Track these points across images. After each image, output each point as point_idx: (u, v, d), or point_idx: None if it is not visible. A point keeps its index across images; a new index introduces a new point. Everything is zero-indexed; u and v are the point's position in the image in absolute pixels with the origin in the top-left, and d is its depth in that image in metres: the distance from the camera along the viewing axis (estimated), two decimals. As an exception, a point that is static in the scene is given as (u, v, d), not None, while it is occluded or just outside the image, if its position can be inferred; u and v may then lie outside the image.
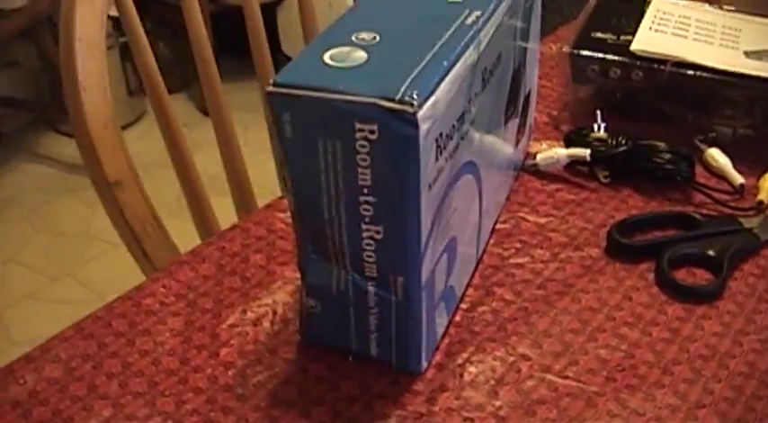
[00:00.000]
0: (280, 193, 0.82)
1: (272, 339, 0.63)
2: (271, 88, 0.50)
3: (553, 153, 0.79)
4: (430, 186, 0.52)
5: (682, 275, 0.70)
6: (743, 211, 0.76)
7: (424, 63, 0.51)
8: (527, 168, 0.81)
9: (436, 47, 0.53)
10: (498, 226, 0.74)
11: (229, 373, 0.60)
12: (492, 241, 0.72)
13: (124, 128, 2.51)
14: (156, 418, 0.57)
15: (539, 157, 0.80)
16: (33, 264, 2.09)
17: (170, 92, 2.75)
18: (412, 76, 0.50)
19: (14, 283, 2.02)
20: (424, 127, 0.49)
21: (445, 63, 0.52)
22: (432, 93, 0.49)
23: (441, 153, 0.52)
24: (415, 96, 0.48)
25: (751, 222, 0.74)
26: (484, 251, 0.71)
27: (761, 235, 0.73)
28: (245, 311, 0.65)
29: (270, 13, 2.40)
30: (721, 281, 0.68)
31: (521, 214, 0.75)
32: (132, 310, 0.66)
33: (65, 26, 0.84)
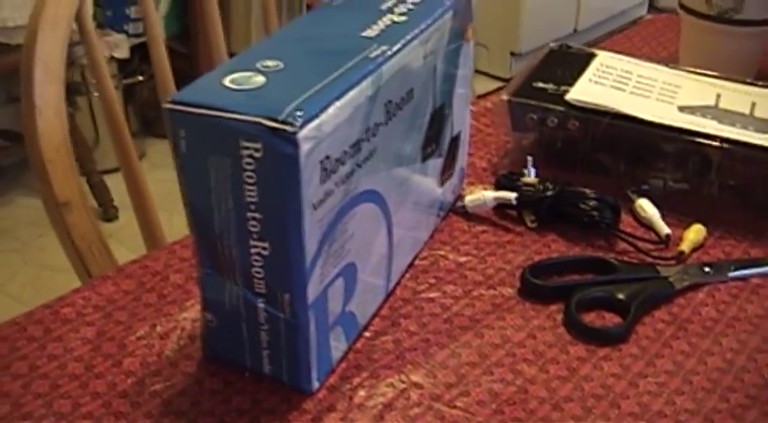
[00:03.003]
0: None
1: (175, 353, 0.65)
2: (168, 105, 0.53)
3: (480, 195, 0.81)
4: (315, 206, 0.54)
5: (591, 318, 0.71)
6: (663, 260, 0.78)
7: (315, 89, 0.54)
8: (456, 210, 0.83)
9: (333, 76, 0.56)
10: (417, 262, 0.76)
11: (129, 381, 0.62)
12: (407, 276, 0.74)
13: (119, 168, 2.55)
14: (50, 418, 0.59)
15: (467, 198, 0.82)
16: (20, 295, 2.12)
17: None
18: (300, 100, 0.52)
19: (-1, 313, 2.05)
20: (305, 147, 0.51)
21: (337, 90, 0.54)
22: (316, 115, 0.52)
23: (328, 176, 0.55)
24: (297, 117, 0.51)
25: (668, 271, 0.75)
26: (397, 285, 0.73)
27: (676, 284, 0.74)
28: (154, 326, 0.67)
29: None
30: (627, 324, 0.69)
31: (441, 252, 0.77)
32: (49, 318, 0.68)
33: (26, 50, 0.87)
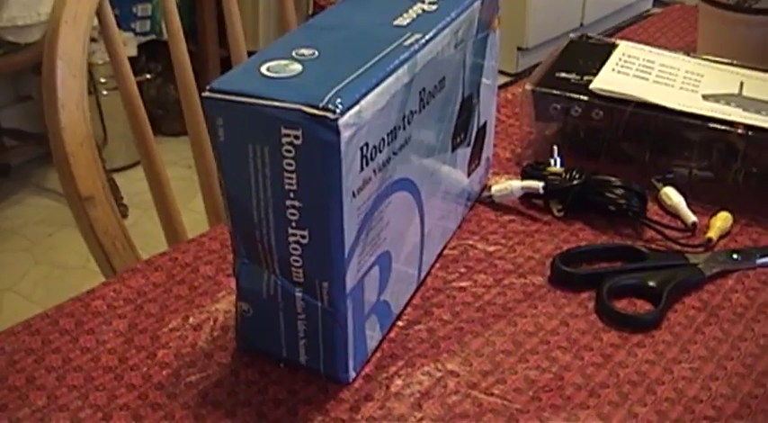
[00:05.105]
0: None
1: (209, 344, 0.65)
2: (206, 93, 0.53)
3: (507, 185, 0.81)
4: (354, 194, 0.54)
5: (623, 305, 0.71)
6: (691, 247, 0.77)
7: (353, 76, 0.54)
8: (482, 200, 0.83)
9: (370, 63, 0.56)
10: (446, 252, 0.76)
11: (164, 372, 0.62)
12: (437, 265, 0.74)
13: (131, 167, 2.55)
14: (86, 411, 0.59)
15: (493, 188, 0.82)
16: (30, 294, 2.12)
17: (179, 134, 2.80)
18: (339, 87, 0.52)
19: (10, 312, 2.05)
20: (345, 134, 0.51)
21: (374, 78, 0.54)
22: (356, 102, 0.52)
23: (367, 163, 0.55)
24: (338, 104, 0.51)
25: (697, 258, 0.75)
26: (428, 274, 0.73)
27: (705, 270, 0.74)
28: (187, 317, 0.67)
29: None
30: (659, 311, 0.69)
31: (470, 242, 0.77)
32: (80, 311, 0.68)
33: (48, 45, 0.87)
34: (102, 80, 2.40)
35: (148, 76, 2.59)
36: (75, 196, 0.88)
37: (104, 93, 2.42)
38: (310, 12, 2.49)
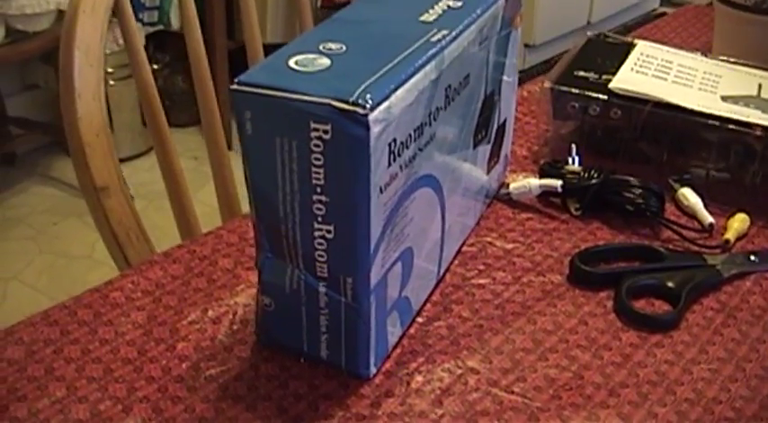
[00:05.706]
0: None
1: (228, 338, 0.65)
2: (235, 86, 0.53)
3: (525, 182, 0.81)
4: (381, 190, 0.54)
5: (641, 305, 0.71)
6: (709, 248, 0.77)
7: (383, 71, 0.54)
8: (500, 197, 0.82)
9: (398, 58, 0.56)
10: (464, 249, 0.76)
11: (183, 365, 0.62)
12: (456, 262, 0.74)
13: (137, 157, 2.55)
14: (106, 402, 0.59)
15: (511, 186, 0.82)
16: (35, 283, 2.11)
17: (186, 125, 2.79)
18: (368, 82, 0.52)
19: (15, 301, 2.05)
20: (375, 129, 0.51)
21: (403, 74, 0.54)
22: (386, 98, 0.52)
23: (394, 159, 0.54)
24: (368, 99, 0.50)
25: (715, 259, 0.75)
26: (447, 271, 0.73)
27: (723, 272, 0.74)
28: (206, 310, 0.67)
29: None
30: (678, 312, 0.69)
31: (488, 239, 0.77)
32: (99, 302, 0.68)
33: (66, 35, 0.87)
34: (110, 70, 2.39)
35: (156, 66, 2.59)
36: (91, 186, 0.88)
37: (111, 83, 2.42)
38: (319, 5, 2.48)
